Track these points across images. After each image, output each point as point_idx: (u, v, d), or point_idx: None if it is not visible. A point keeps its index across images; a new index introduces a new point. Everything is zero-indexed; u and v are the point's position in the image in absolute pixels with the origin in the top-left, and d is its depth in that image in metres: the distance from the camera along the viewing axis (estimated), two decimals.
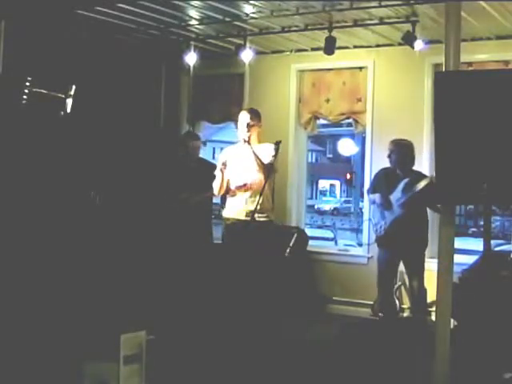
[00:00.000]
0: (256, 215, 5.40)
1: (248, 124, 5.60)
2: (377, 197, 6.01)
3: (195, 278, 6.29)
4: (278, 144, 5.43)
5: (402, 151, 5.95)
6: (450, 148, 4.04)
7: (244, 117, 5.65)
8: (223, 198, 6.76)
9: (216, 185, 5.73)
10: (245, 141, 5.57)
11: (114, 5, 6.16)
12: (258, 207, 5.36)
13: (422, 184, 5.70)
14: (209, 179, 6.28)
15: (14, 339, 4.55)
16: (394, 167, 5.99)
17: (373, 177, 6.44)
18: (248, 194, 5.58)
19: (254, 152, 5.51)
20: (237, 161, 5.66)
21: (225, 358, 4.96)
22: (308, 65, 7.66)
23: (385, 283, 6.10)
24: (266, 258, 5.50)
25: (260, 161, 5.50)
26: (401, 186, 5.84)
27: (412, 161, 5.97)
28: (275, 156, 5.40)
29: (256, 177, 5.54)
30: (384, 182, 6.03)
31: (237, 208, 5.64)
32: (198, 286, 6.25)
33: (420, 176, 5.91)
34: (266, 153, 5.49)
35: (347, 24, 6.53)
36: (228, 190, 5.73)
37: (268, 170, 5.44)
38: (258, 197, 5.34)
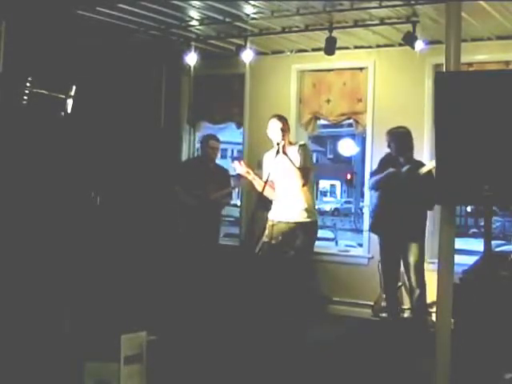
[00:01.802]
0: (300, 216, 5.55)
1: (282, 130, 5.62)
2: (379, 175, 6.03)
3: (197, 279, 6.30)
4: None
5: (400, 140, 5.97)
6: (451, 148, 4.04)
7: (276, 124, 5.67)
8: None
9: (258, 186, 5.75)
10: (278, 150, 5.53)
11: (114, 5, 6.17)
12: (302, 208, 5.55)
13: (423, 170, 5.70)
14: (224, 181, 6.68)
15: (15, 339, 4.56)
16: (396, 156, 6.01)
17: (379, 160, 6.41)
18: (289, 198, 5.62)
19: (290, 159, 5.52)
20: (274, 167, 5.62)
21: (225, 358, 4.96)
22: (308, 65, 7.66)
23: (388, 279, 6.10)
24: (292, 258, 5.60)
25: (295, 166, 5.52)
26: (403, 171, 5.85)
27: (411, 148, 5.99)
28: (305, 157, 5.55)
29: (294, 182, 5.56)
30: (389, 166, 6.03)
31: (280, 211, 5.67)
32: (199, 287, 6.26)
33: (421, 165, 5.92)
34: (297, 156, 5.55)
35: (348, 24, 6.53)
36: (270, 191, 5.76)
37: (304, 172, 5.53)
38: (299, 200, 5.53)
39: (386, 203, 5.98)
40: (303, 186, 5.56)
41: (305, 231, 5.61)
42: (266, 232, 5.71)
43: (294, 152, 5.58)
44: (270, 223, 5.72)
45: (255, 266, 5.68)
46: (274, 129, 5.65)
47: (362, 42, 7.17)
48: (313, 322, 6.30)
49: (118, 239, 6.49)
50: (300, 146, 5.67)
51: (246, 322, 5.56)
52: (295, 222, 5.59)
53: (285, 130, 5.63)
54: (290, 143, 5.72)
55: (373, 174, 6.31)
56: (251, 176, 5.71)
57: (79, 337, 4.40)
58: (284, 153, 5.51)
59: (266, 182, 5.54)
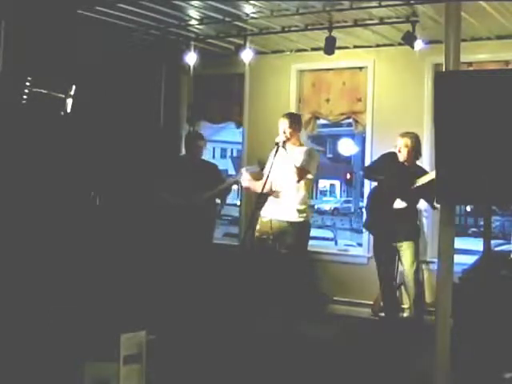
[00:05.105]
0: (292, 216, 5.63)
1: (284, 130, 5.67)
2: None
3: (196, 278, 6.30)
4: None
5: (414, 146, 5.95)
6: (450, 148, 4.04)
7: (281, 123, 5.73)
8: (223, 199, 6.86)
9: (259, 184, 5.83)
10: (277, 145, 5.61)
11: (114, 5, 6.17)
12: (296, 208, 5.62)
13: (425, 179, 5.69)
14: (212, 179, 6.51)
15: (15, 339, 4.55)
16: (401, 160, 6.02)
17: (379, 156, 6.35)
18: (281, 195, 5.71)
19: (287, 156, 5.59)
20: (276, 164, 5.69)
21: (225, 357, 4.96)
22: (308, 65, 7.66)
23: (385, 277, 6.11)
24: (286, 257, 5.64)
25: (294, 163, 5.56)
26: (404, 176, 5.85)
27: (418, 153, 5.99)
28: (307, 159, 5.60)
29: (289, 180, 5.63)
30: (388, 166, 6.03)
31: (274, 209, 5.75)
32: (198, 286, 6.26)
33: (423, 171, 5.92)
34: (300, 156, 5.61)
35: (347, 24, 6.53)
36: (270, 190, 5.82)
37: (301, 171, 5.57)
38: (293, 200, 5.61)
39: (380, 201, 5.99)
40: (297, 182, 5.60)
41: (296, 231, 5.66)
42: (258, 227, 5.79)
43: (299, 152, 5.65)
44: (262, 219, 5.79)
45: (253, 265, 5.71)
46: (280, 127, 5.72)
47: (362, 42, 7.16)
48: (313, 322, 6.31)
49: (117, 239, 6.49)
50: (308, 149, 5.79)
51: (246, 322, 5.56)
52: (287, 221, 5.66)
53: (292, 128, 5.68)
54: (301, 144, 5.82)
55: (371, 165, 6.34)
56: (252, 184, 5.87)
57: (79, 336, 4.39)
58: (283, 147, 5.57)
59: (265, 181, 5.59)
